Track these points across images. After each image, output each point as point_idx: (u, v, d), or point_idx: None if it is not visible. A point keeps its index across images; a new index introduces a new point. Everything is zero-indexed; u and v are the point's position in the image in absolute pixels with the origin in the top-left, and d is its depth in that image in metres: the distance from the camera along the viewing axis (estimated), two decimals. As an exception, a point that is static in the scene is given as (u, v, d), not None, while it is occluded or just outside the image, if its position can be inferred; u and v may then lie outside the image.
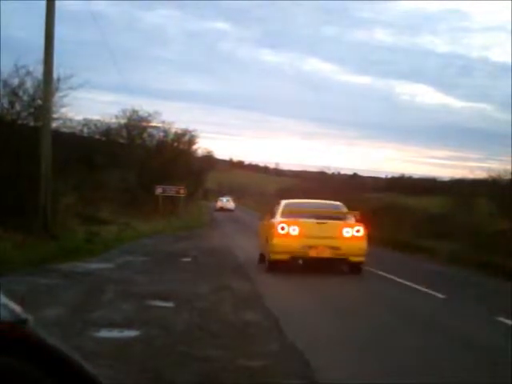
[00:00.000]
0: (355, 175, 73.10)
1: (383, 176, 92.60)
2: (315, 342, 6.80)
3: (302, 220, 13.22)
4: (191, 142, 47.78)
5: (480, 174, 30.07)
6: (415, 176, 78.24)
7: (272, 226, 13.46)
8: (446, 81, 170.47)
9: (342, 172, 71.38)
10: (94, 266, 13.35)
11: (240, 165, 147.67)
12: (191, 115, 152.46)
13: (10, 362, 1.03)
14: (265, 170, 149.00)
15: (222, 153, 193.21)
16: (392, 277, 13.28)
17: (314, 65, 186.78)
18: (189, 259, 16.15)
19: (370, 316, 8.85)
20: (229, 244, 21.19)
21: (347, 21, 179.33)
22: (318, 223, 13.22)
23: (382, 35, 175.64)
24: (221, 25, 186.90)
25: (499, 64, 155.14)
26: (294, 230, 13.03)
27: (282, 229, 13.03)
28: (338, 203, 14.83)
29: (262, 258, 14.47)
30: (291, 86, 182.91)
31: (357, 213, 13.98)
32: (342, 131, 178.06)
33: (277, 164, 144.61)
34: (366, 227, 13.47)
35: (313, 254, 12.98)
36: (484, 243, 18.20)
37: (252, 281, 11.89)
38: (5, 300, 1.18)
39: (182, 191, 38.23)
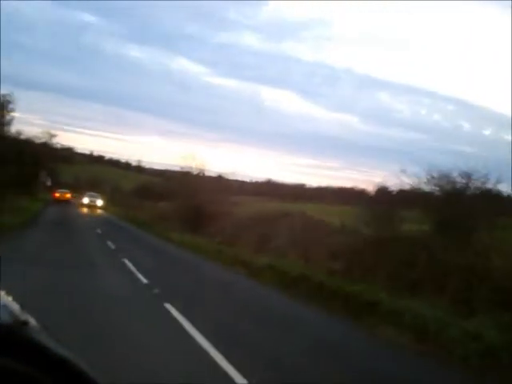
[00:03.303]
0: (220, 177, 67.80)
1: (247, 180, 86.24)
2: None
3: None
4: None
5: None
6: (280, 181, 73.41)
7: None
8: (311, 89, 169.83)
9: (207, 173, 67.66)
10: None
11: (100, 159, 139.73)
12: (51, 106, 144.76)
13: (9, 364, 0.98)
14: (126, 166, 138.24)
15: (84, 147, 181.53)
16: None
17: (182, 64, 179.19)
18: None
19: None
20: None
21: (216, 22, 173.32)
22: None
23: (250, 39, 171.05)
24: (87, 16, 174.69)
25: (362, 76, 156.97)
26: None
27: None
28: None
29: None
30: (158, 84, 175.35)
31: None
32: (207, 132, 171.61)
33: (139, 161, 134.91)
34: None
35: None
36: None
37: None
38: (5, 301, 1.15)
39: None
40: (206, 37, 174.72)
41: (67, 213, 42.92)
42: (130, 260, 16.86)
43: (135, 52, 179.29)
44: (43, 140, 60.44)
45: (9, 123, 35.36)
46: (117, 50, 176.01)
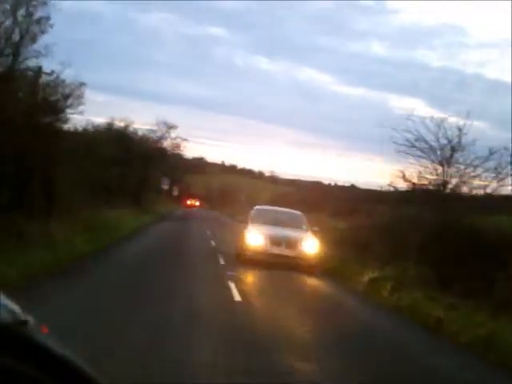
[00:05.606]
0: (353, 186, 63.45)
1: (378, 188, 75.59)
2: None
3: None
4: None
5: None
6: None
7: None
8: (440, 96, 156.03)
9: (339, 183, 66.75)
10: None
11: (233, 169, 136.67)
12: (184, 119, 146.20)
13: (9, 363, 0.98)
14: (259, 175, 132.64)
15: (214, 157, 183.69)
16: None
17: (309, 74, 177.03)
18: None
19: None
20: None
21: (343, 32, 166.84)
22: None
23: (377, 48, 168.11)
24: (216, 30, 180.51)
25: (493, 81, 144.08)
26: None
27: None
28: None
29: None
30: (286, 95, 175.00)
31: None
32: (335, 142, 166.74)
33: (272, 171, 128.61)
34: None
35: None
36: None
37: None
38: (5, 301, 1.13)
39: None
40: (334, 47, 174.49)
41: (183, 242, 23.80)
42: None
43: (264, 64, 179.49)
44: (159, 134, 48.33)
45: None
46: (246, 63, 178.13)
